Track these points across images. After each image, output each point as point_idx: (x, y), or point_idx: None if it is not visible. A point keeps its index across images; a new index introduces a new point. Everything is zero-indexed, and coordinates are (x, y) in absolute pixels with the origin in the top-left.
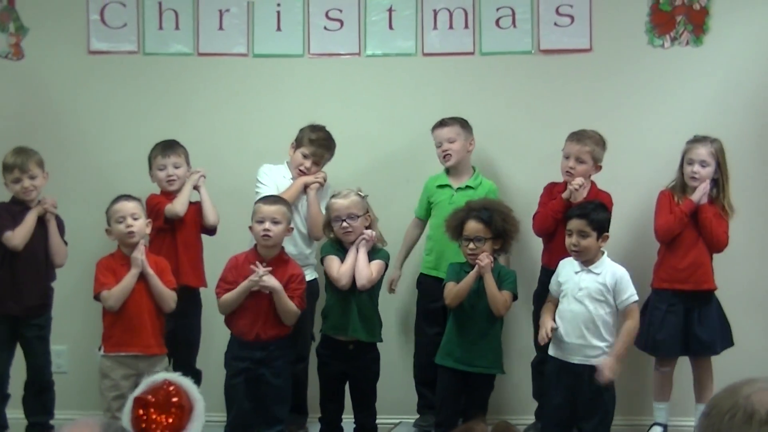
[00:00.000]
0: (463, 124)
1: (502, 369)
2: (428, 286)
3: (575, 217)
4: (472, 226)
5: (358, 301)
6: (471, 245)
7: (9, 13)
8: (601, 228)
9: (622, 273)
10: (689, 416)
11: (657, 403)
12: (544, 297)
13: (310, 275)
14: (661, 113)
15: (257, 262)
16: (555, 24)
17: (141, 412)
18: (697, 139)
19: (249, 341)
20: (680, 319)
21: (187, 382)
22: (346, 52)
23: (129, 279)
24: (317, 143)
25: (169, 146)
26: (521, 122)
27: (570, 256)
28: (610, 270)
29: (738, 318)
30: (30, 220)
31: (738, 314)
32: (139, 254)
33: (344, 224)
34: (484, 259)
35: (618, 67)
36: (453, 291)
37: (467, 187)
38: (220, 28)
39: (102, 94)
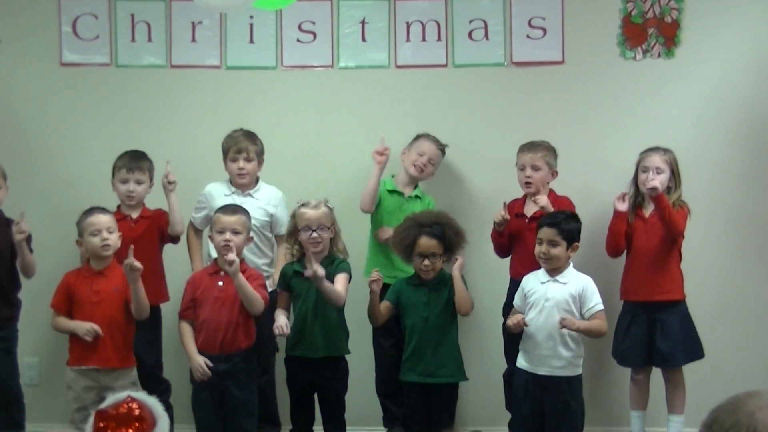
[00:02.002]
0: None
1: (464, 376)
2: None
3: (546, 225)
4: (425, 242)
5: (323, 316)
6: (426, 262)
7: None
8: (571, 238)
9: (587, 281)
10: (663, 426)
11: (633, 412)
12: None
13: (268, 286)
14: (633, 125)
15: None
16: (527, 36)
17: (102, 425)
18: (650, 149)
19: (213, 354)
20: (644, 329)
21: (150, 399)
22: (319, 65)
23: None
24: (236, 140)
25: (135, 160)
26: (494, 134)
27: (537, 267)
28: (576, 279)
29: (710, 330)
30: None
31: (710, 326)
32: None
33: (314, 234)
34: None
35: (590, 79)
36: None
37: (416, 197)
38: (193, 40)
39: (74, 107)
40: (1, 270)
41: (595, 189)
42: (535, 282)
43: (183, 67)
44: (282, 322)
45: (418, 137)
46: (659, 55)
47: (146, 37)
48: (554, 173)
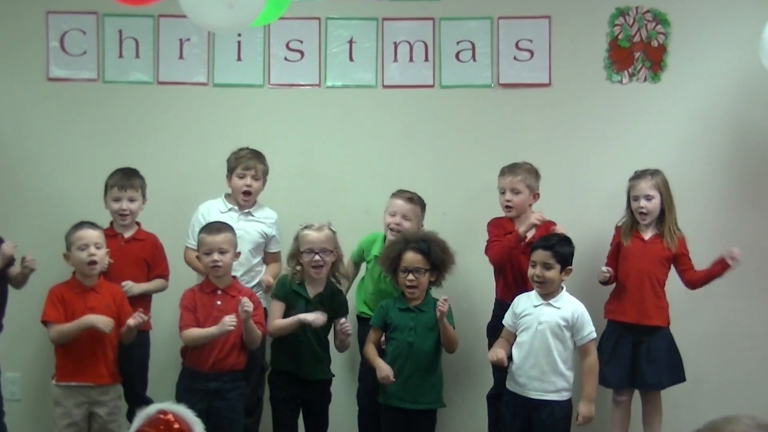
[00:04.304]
0: (423, 206)
1: (442, 403)
2: (364, 326)
3: (540, 248)
4: (411, 257)
5: (307, 342)
6: (410, 276)
7: None
8: (565, 261)
9: (582, 310)
10: None
11: None
12: (498, 330)
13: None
14: (619, 148)
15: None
16: (515, 58)
17: None
18: (638, 175)
19: (203, 371)
20: (628, 352)
21: (180, 408)
22: (306, 83)
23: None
24: (245, 158)
25: (127, 178)
26: (480, 155)
27: (525, 290)
28: (570, 304)
29: (691, 353)
30: None
31: (691, 349)
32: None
33: (317, 258)
34: (444, 305)
35: (576, 101)
36: None
37: None
38: (181, 57)
39: (60, 122)
40: None
41: (581, 211)
42: (527, 304)
43: (170, 83)
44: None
45: (391, 196)
46: (645, 79)
47: (134, 53)
48: (536, 195)
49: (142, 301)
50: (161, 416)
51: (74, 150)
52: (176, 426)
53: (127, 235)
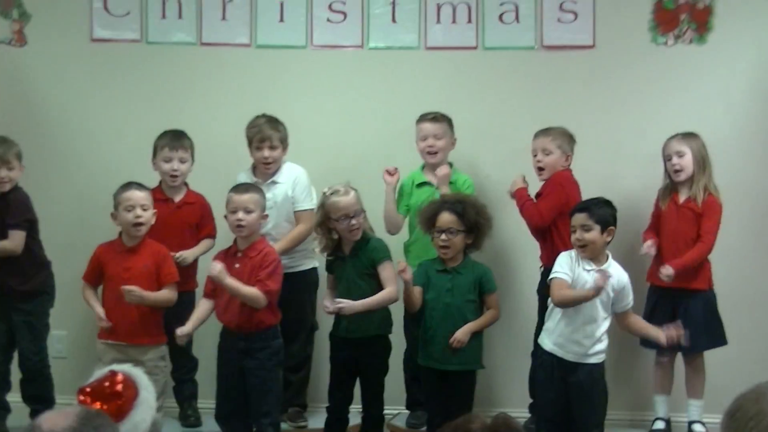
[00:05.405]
0: (450, 122)
1: (480, 364)
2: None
3: (577, 212)
4: (445, 217)
5: (360, 298)
6: (443, 236)
7: (12, 0)
8: (605, 222)
9: (627, 280)
10: (682, 412)
11: (657, 396)
12: (547, 290)
13: (309, 264)
14: (664, 111)
15: (215, 262)
16: (558, 20)
17: (82, 398)
18: (671, 137)
19: (232, 330)
20: (667, 314)
21: (134, 371)
22: (348, 45)
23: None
24: (259, 128)
25: (177, 139)
26: (522, 117)
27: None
28: (617, 274)
29: (732, 316)
30: None
31: (732, 312)
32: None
33: (353, 222)
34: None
35: (620, 64)
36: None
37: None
38: (223, 18)
39: (104, 83)
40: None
41: (622, 176)
42: (579, 267)
43: (213, 44)
44: (326, 302)
45: (417, 123)
46: (691, 41)
47: (177, 13)
48: (568, 157)
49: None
50: (109, 375)
51: (117, 111)
52: (117, 387)
53: (178, 199)
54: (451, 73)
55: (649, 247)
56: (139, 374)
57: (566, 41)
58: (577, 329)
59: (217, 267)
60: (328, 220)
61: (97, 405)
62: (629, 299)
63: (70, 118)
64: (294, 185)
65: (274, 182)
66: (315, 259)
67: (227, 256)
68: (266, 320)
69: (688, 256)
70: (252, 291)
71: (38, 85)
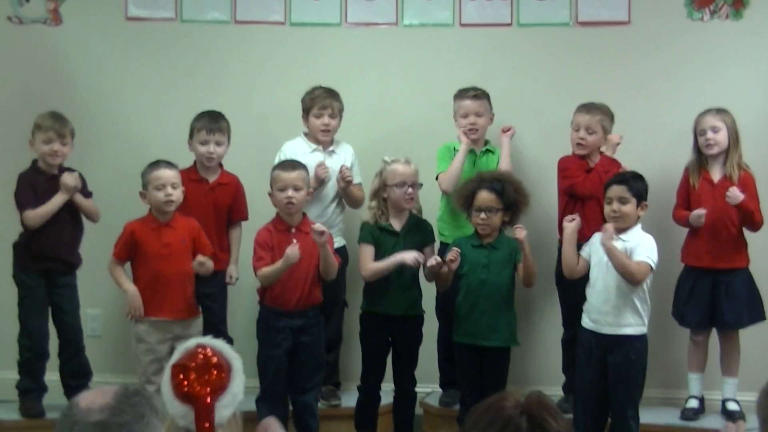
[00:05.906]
0: (489, 98)
1: (516, 341)
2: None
3: (614, 184)
4: (484, 196)
5: (398, 277)
6: (482, 215)
7: None
8: (640, 196)
9: (646, 237)
10: (717, 390)
11: (691, 374)
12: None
13: (339, 242)
14: (699, 88)
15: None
16: None
17: (181, 376)
18: (704, 111)
19: (288, 310)
20: (707, 291)
21: (219, 343)
22: (383, 22)
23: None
24: (320, 97)
25: (215, 121)
26: (557, 94)
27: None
28: (636, 237)
29: (765, 293)
30: (53, 205)
31: (765, 289)
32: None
33: (410, 190)
34: (521, 232)
35: (656, 40)
36: None
37: (487, 151)
38: None
39: (138, 61)
40: (62, 219)
41: (656, 152)
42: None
43: (247, 22)
44: (413, 255)
45: (455, 99)
46: (727, 17)
47: None
48: (606, 138)
49: (222, 240)
50: (200, 350)
51: (151, 90)
52: (214, 360)
53: (212, 179)
54: (485, 50)
55: (699, 216)
56: (224, 345)
57: (601, 17)
58: (607, 298)
59: (296, 249)
60: (384, 188)
61: (203, 380)
62: (642, 254)
63: (104, 97)
64: (350, 158)
65: (333, 152)
66: (344, 237)
67: (278, 233)
68: (320, 296)
69: (757, 214)
70: (335, 262)
71: (73, 64)
